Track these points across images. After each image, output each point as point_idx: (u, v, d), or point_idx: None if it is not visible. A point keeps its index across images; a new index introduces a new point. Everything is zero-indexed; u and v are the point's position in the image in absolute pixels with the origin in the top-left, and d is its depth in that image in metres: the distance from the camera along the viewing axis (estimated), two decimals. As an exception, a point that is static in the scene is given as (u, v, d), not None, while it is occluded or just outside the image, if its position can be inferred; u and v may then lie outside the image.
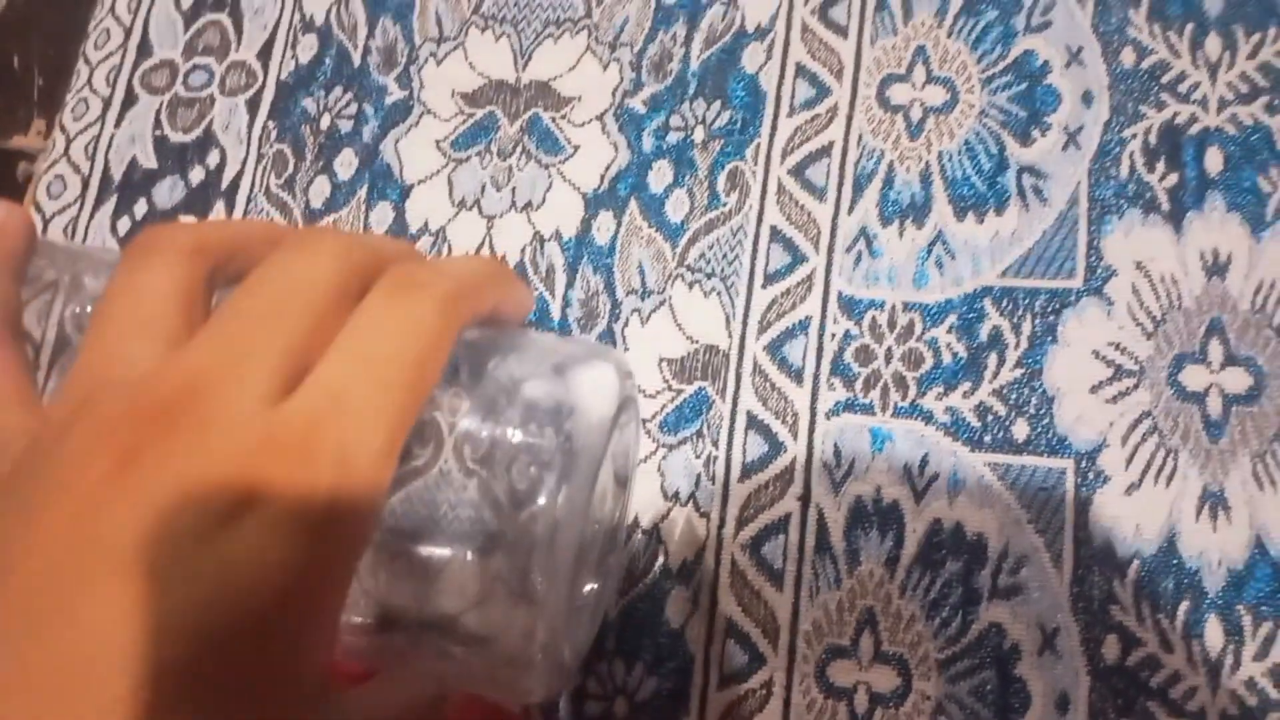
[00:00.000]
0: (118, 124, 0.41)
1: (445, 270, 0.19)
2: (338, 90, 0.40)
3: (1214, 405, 0.32)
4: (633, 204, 0.38)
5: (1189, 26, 0.36)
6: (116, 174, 0.40)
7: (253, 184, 0.40)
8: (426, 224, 0.39)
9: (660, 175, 0.38)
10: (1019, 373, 0.34)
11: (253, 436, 0.15)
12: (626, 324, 0.36)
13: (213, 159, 0.40)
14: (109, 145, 0.40)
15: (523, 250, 0.38)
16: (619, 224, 0.37)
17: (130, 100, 0.41)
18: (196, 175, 0.40)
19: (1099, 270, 0.34)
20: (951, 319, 0.35)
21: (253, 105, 0.41)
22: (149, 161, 0.41)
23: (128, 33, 0.42)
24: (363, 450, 0.16)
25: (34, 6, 0.44)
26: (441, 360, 0.18)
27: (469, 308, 0.19)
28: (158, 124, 0.41)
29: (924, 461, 0.33)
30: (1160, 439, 0.33)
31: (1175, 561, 0.31)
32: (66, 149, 0.40)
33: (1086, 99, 0.36)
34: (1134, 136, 0.35)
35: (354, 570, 0.17)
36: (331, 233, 0.19)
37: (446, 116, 0.40)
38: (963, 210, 0.35)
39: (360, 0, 0.41)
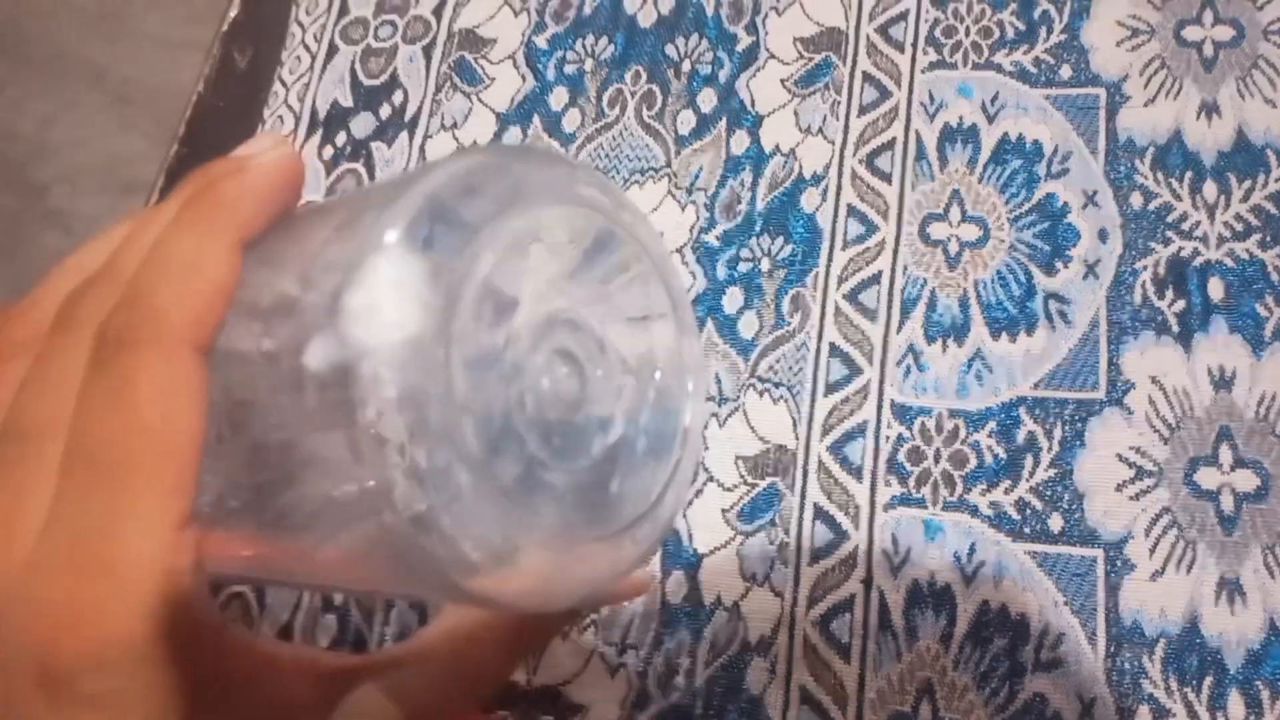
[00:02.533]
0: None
1: (153, 285, 0.16)
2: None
3: (1227, 502, 0.37)
4: (709, 323, 0.44)
5: (1188, 174, 0.42)
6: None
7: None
8: (531, 340, 0.45)
9: (732, 299, 0.44)
10: (1052, 472, 0.39)
11: (24, 613, 0.15)
12: (706, 426, 0.42)
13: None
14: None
15: (614, 363, 0.44)
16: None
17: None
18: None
19: (1119, 383, 0.39)
20: (991, 425, 0.40)
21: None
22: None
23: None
24: (127, 563, 0.16)
25: (198, 159, 0.52)
26: (190, 413, 0.16)
27: (200, 328, 0.16)
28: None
29: (971, 550, 0.38)
30: (1180, 532, 0.37)
31: (1198, 641, 0.36)
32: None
33: (1102, 235, 0.42)
34: (1145, 268, 0.41)
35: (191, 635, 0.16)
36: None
37: (548, 249, 0.46)
38: (997, 330, 0.41)
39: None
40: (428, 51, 0.50)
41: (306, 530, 0.17)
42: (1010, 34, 0.45)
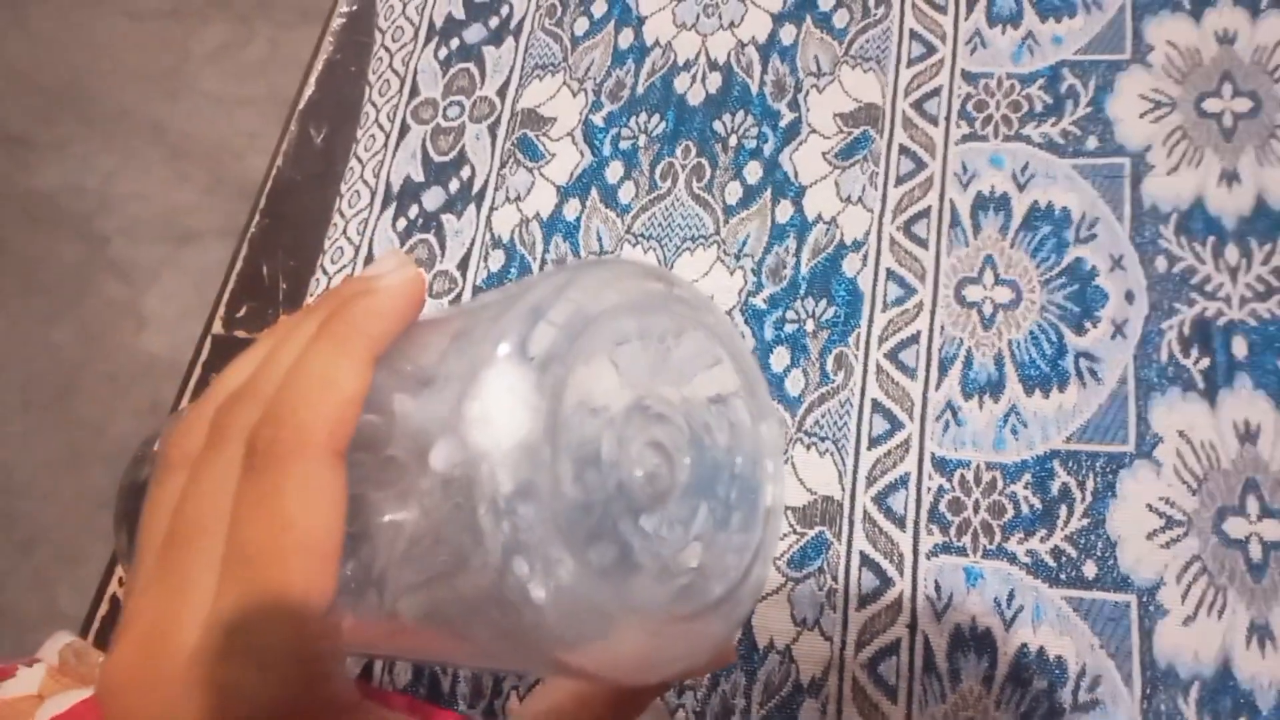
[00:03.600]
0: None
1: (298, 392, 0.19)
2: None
3: (1255, 550, 0.39)
4: (758, 381, 0.47)
5: (1211, 238, 0.45)
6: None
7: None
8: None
9: (780, 358, 0.47)
10: (1085, 522, 0.41)
11: (188, 699, 0.18)
12: (785, 506, 0.45)
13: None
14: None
15: (670, 418, 0.47)
16: (747, 397, 0.46)
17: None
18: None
19: (1148, 437, 0.42)
20: (1027, 477, 0.42)
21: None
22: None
23: (357, 250, 0.54)
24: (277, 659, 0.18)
25: (278, 228, 0.56)
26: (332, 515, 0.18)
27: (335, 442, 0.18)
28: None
29: (1010, 596, 0.40)
30: (1210, 579, 0.39)
31: (1231, 683, 0.38)
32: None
33: (1129, 297, 0.44)
34: (1171, 328, 0.43)
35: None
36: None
37: (606, 311, 0.50)
38: (1031, 387, 0.44)
39: (538, 223, 0.52)
40: (493, 130, 0.54)
41: (428, 612, 0.19)
42: (1039, 108, 0.48)
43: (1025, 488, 0.42)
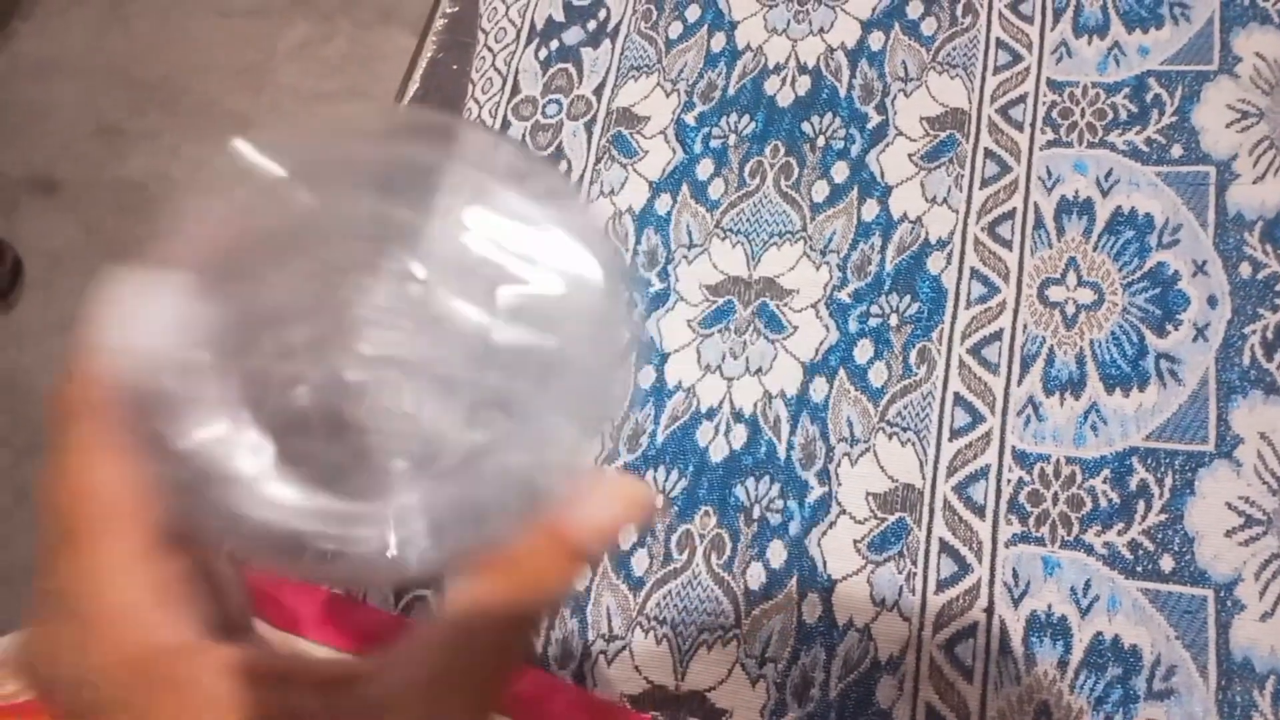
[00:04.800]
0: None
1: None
2: (612, 281, 0.54)
3: (1333, 550, 0.40)
4: (841, 372, 0.49)
5: (1295, 246, 0.45)
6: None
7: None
8: (680, 383, 0.51)
9: (863, 350, 0.49)
10: (1163, 517, 0.42)
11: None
12: (839, 465, 0.47)
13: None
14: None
15: (755, 405, 0.49)
16: (831, 387, 0.48)
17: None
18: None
19: (1228, 438, 0.43)
20: (1106, 472, 0.44)
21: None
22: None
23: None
24: None
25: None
26: None
27: None
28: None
29: (1087, 585, 0.42)
30: (1287, 576, 0.40)
31: (1305, 678, 0.39)
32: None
33: (1211, 302, 0.45)
34: (1254, 332, 0.44)
35: None
36: None
37: (695, 302, 0.52)
38: (1111, 386, 0.45)
39: (630, 217, 0.55)
40: (589, 127, 0.57)
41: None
42: (1123, 116, 0.49)
43: (1104, 482, 0.44)
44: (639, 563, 0.47)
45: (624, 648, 0.46)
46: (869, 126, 0.53)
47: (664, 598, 0.46)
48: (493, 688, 0.20)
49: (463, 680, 0.19)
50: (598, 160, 0.56)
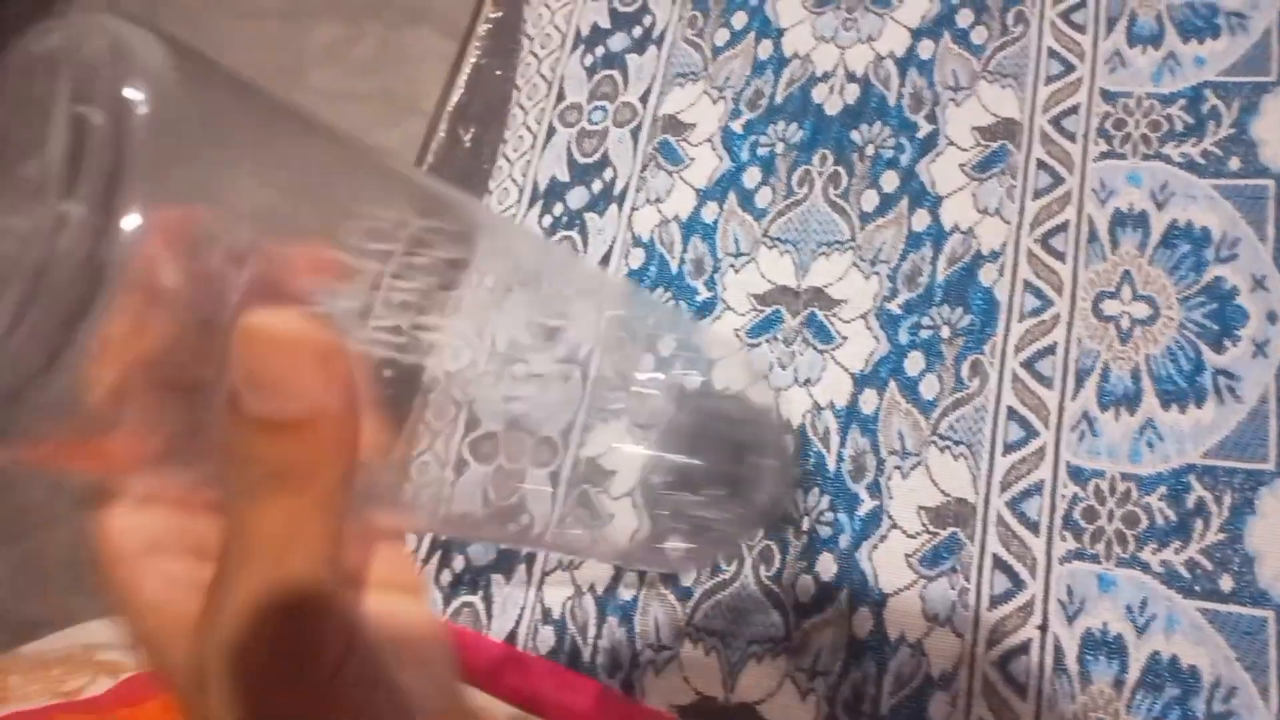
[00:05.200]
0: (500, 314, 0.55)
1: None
2: (660, 290, 0.53)
3: (1397, 572, 0.40)
4: (892, 384, 0.48)
5: (1356, 261, 0.45)
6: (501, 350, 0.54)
7: (593, 357, 0.53)
8: (726, 389, 0.50)
9: (914, 362, 0.48)
10: (1222, 536, 0.42)
11: None
12: (890, 478, 0.46)
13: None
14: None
15: (804, 415, 0.49)
16: (881, 399, 0.48)
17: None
18: (559, 353, 0.54)
19: (1289, 455, 0.42)
20: (1162, 489, 0.43)
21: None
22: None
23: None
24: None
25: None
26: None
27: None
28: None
29: (1144, 603, 0.41)
30: (1350, 597, 0.40)
31: (1370, 701, 0.38)
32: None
33: (1271, 317, 0.45)
34: (1313, 348, 0.44)
35: None
36: None
37: (743, 311, 0.52)
38: (1168, 402, 0.45)
39: (676, 224, 0.55)
40: (635, 134, 0.57)
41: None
42: (1179, 128, 0.49)
43: (1160, 500, 0.43)
44: (686, 575, 0.47)
45: (672, 658, 0.45)
46: (919, 136, 0.52)
47: (712, 608, 0.46)
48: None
49: None
50: (644, 167, 0.56)
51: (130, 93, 0.15)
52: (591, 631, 0.46)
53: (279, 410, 0.17)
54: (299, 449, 0.17)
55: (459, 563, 0.49)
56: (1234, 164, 0.48)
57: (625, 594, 0.47)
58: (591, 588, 0.47)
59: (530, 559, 0.49)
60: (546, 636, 0.47)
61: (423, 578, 0.50)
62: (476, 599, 0.48)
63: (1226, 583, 0.41)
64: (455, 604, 0.48)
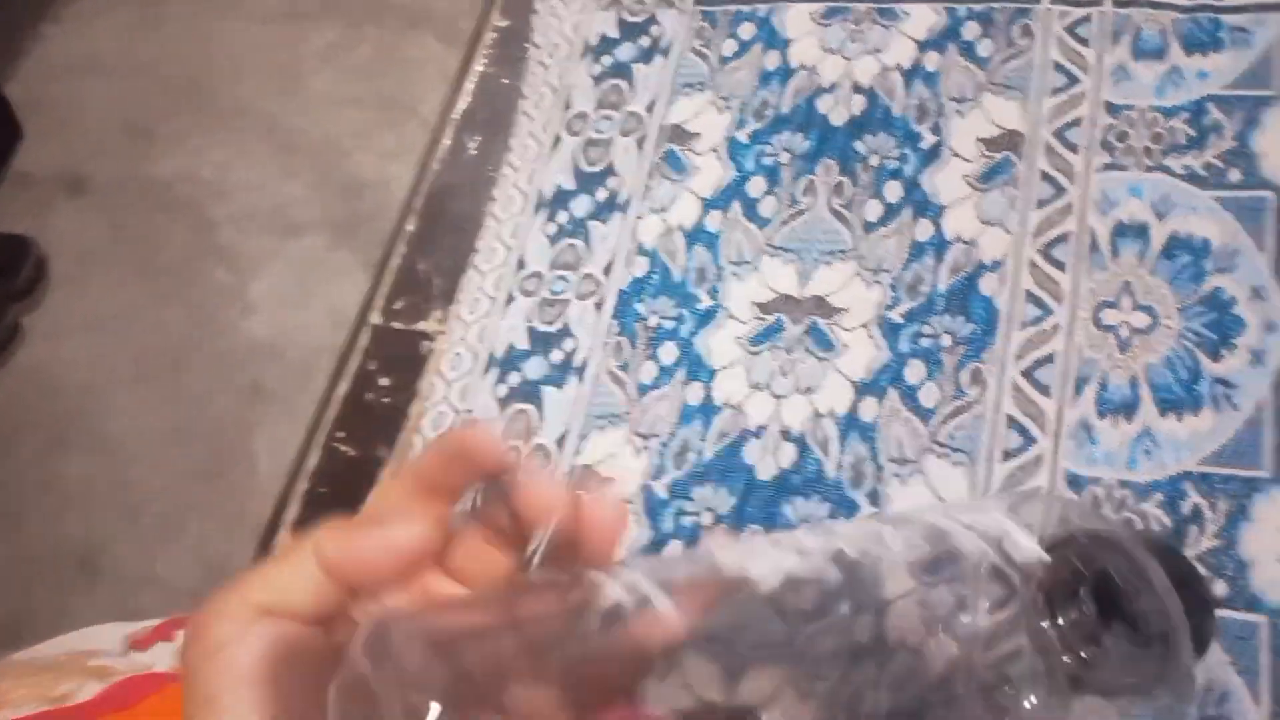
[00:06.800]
0: (501, 317, 0.56)
1: None
2: (663, 298, 0.54)
3: (1391, 580, 0.40)
4: (892, 392, 0.49)
5: (1352, 274, 0.45)
6: (499, 353, 0.55)
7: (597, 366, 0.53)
8: (728, 400, 0.51)
9: (915, 371, 0.49)
10: (1217, 542, 0.43)
11: None
12: (889, 485, 0.47)
13: (568, 345, 0.54)
14: (494, 332, 0.55)
15: (803, 423, 0.49)
16: (881, 406, 0.49)
17: (509, 301, 0.56)
18: (556, 357, 0.54)
19: (1285, 465, 0.43)
20: (1158, 496, 0.44)
21: (599, 307, 0.55)
22: (522, 344, 0.55)
23: (509, 251, 0.57)
24: None
25: (433, 229, 0.60)
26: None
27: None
28: (529, 318, 0.55)
29: (1142, 609, 0.42)
30: (1345, 605, 0.40)
31: (1363, 707, 0.39)
32: (464, 334, 0.55)
33: (1270, 328, 0.45)
34: (1309, 359, 0.44)
35: None
36: None
37: (745, 320, 0.52)
38: (1165, 410, 0.45)
39: (680, 233, 0.55)
40: (640, 143, 0.57)
41: None
42: (1181, 140, 0.50)
43: (1157, 506, 0.44)
44: (692, 578, 0.47)
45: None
46: (923, 147, 0.53)
47: (717, 613, 0.46)
48: None
49: None
50: (649, 176, 0.57)
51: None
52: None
53: None
54: None
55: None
56: (1234, 176, 0.48)
57: (630, 598, 0.47)
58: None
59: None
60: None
61: None
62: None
63: (1220, 588, 0.42)
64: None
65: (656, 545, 0.48)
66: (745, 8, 0.60)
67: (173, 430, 1.55)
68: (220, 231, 1.72)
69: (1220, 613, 0.41)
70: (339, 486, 0.55)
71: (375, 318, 0.59)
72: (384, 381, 0.57)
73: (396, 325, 0.58)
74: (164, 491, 1.51)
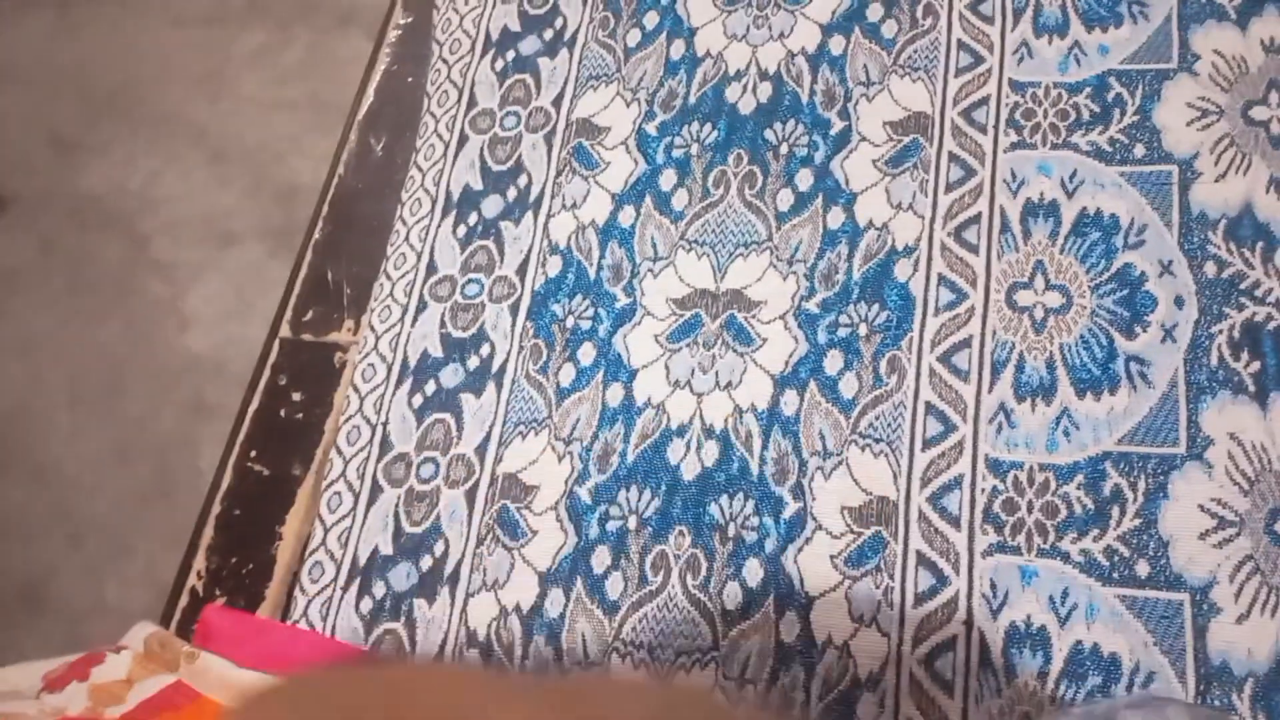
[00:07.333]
0: (413, 324, 0.54)
1: None
2: (579, 297, 0.53)
3: (1305, 550, 0.40)
4: (812, 384, 0.48)
5: (1259, 244, 0.45)
6: (412, 362, 0.53)
7: (515, 370, 0.52)
8: (649, 399, 0.50)
9: (833, 361, 0.48)
10: (1138, 522, 0.42)
11: None
12: (812, 479, 0.46)
13: (485, 350, 0.53)
14: (406, 340, 0.53)
15: (725, 419, 0.48)
16: (802, 399, 0.48)
17: (421, 307, 0.54)
18: (473, 363, 0.52)
19: (1199, 440, 0.43)
20: (1080, 478, 0.43)
21: (514, 310, 0.53)
22: (436, 352, 0.53)
23: (419, 256, 0.55)
24: None
25: (341, 235, 0.58)
26: None
27: None
28: (442, 324, 0.54)
29: (1065, 593, 0.42)
30: (1263, 578, 0.40)
31: (1282, 680, 0.39)
32: (375, 344, 0.53)
33: (1179, 302, 0.45)
34: (1220, 332, 0.44)
35: None
36: None
37: (662, 316, 0.51)
38: (1082, 390, 0.45)
39: (594, 230, 0.54)
40: (549, 139, 0.56)
41: None
42: (1086, 116, 0.49)
43: (1078, 489, 0.43)
44: (614, 587, 0.46)
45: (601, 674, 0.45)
46: (832, 133, 0.52)
47: (639, 621, 0.45)
48: None
49: None
50: (559, 173, 0.55)
51: None
52: (518, 651, 0.46)
53: None
54: None
55: (379, 589, 0.48)
56: (1139, 151, 0.48)
57: (552, 611, 0.46)
58: (517, 607, 0.46)
59: (454, 581, 0.48)
60: (472, 660, 0.46)
61: None
62: (399, 625, 0.47)
63: (1143, 568, 0.41)
64: (377, 631, 0.47)
65: (583, 552, 0.47)
66: (651, -4, 0.58)
67: (114, 451, 1.51)
68: (153, 244, 1.67)
69: (1144, 594, 0.41)
70: (252, 507, 0.53)
71: (285, 330, 0.57)
72: (296, 396, 0.55)
73: (306, 337, 0.56)
74: (108, 515, 1.47)
